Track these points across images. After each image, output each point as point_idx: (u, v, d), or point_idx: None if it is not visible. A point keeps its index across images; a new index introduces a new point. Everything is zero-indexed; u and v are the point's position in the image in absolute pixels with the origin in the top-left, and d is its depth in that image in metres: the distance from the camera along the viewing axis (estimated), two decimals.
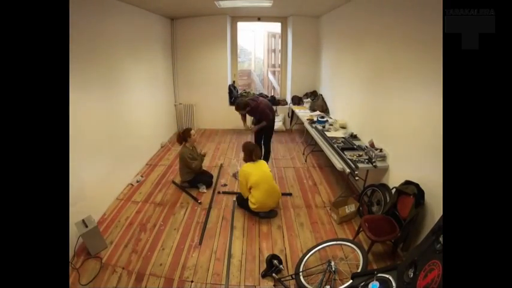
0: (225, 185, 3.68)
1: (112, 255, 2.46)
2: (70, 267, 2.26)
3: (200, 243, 2.61)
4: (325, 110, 5.16)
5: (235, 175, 3.88)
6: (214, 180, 3.77)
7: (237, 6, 4.66)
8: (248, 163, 3.02)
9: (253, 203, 2.88)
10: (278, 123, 5.93)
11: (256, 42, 8.62)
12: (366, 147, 3.14)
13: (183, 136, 3.49)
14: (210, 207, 3.18)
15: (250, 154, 3.00)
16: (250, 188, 2.91)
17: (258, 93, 6.64)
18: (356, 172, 2.72)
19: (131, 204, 3.25)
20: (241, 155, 3.29)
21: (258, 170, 2.93)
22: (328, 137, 3.63)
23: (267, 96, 6.34)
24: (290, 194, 3.47)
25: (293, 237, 2.69)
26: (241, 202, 3.11)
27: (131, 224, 2.89)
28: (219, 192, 3.51)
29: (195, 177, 3.55)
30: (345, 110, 4.34)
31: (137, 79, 4.06)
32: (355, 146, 3.28)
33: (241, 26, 6.25)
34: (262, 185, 2.86)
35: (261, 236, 2.71)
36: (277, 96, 6.56)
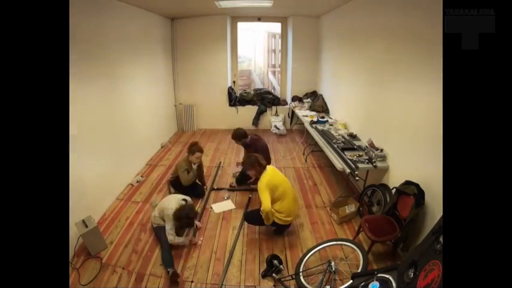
0: (233, 184, 3.65)
1: (112, 255, 2.46)
2: (70, 267, 2.26)
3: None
4: (325, 110, 5.16)
5: (235, 175, 3.86)
6: (214, 179, 3.78)
7: (237, 6, 4.67)
8: (267, 172, 2.53)
9: (281, 213, 2.48)
10: (278, 124, 5.93)
11: (256, 43, 8.62)
12: (366, 147, 3.14)
13: (190, 148, 3.24)
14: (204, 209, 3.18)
15: (259, 163, 2.55)
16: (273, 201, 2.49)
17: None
18: (356, 172, 2.72)
19: (131, 205, 3.25)
20: (251, 172, 2.68)
21: (280, 178, 2.59)
22: (329, 137, 3.63)
23: (271, 93, 6.35)
24: None
25: (293, 237, 2.69)
26: (254, 218, 2.64)
27: (131, 224, 2.89)
28: (213, 189, 3.56)
29: (183, 188, 3.22)
30: (345, 110, 4.34)
31: (137, 79, 4.06)
32: (355, 146, 3.28)
33: (241, 26, 6.25)
34: (288, 194, 2.55)
35: (261, 236, 2.70)
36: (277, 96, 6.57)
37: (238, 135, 3.53)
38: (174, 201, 2.59)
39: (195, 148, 3.23)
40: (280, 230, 2.69)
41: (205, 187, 3.54)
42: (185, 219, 2.42)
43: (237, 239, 2.67)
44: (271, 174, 2.53)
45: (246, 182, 3.57)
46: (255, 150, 3.28)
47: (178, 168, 3.25)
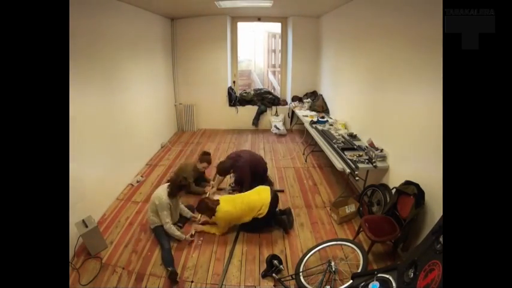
0: (233, 185, 3.62)
1: (112, 255, 2.46)
2: (70, 267, 2.26)
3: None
4: (325, 110, 5.16)
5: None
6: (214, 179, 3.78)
7: (237, 6, 4.67)
8: (219, 210, 2.60)
9: (260, 212, 2.62)
10: (278, 124, 5.94)
11: (256, 43, 8.62)
12: (366, 147, 3.14)
13: (203, 157, 3.52)
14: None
15: (209, 208, 2.61)
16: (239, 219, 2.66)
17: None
18: (356, 172, 2.72)
19: (131, 205, 3.25)
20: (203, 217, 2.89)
21: (229, 207, 2.63)
22: (328, 137, 3.63)
23: (271, 93, 6.34)
24: (282, 191, 3.48)
25: (293, 237, 2.69)
26: (252, 228, 2.73)
27: (131, 224, 2.89)
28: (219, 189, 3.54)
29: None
30: (345, 110, 4.34)
31: (137, 79, 4.06)
32: (355, 146, 3.28)
33: (241, 26, 6.25)
34: (249, 199, 2.69)
35: (261, 236, 2.70)
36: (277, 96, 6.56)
37: (224, 170, 3.29)
38: (161, 189, 2.67)
39: (205, 158, 3.50)
40: (274, 220, 2.80)
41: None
42: (178, 182, 2.61)
43: (237, 239, 2.68)
44: (222, 211, 2.60)
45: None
46: (251, 169, 3.27)
47: (188, 178, 3.21)
